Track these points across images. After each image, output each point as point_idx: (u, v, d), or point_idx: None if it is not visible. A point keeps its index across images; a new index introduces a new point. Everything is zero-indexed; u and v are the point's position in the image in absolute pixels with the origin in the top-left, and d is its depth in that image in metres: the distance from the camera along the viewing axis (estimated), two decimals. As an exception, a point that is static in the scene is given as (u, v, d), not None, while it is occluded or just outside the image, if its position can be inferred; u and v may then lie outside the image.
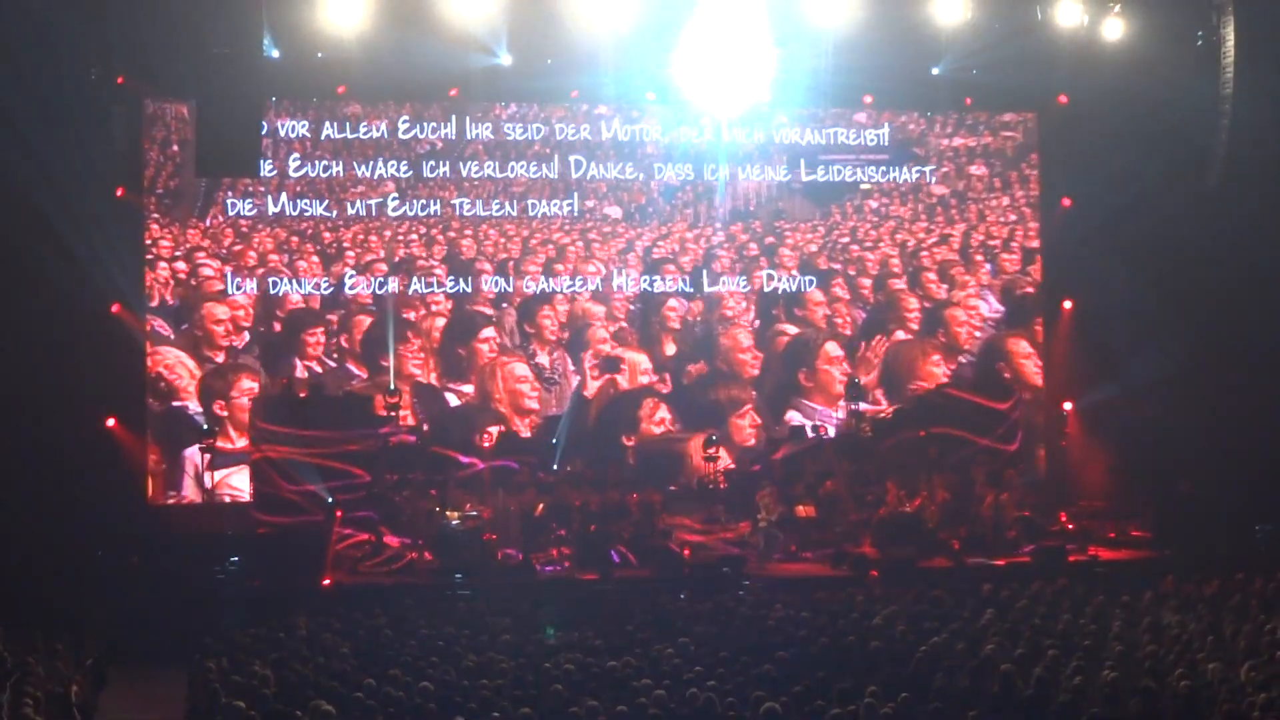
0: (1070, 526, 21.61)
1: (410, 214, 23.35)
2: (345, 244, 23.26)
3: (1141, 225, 22.74)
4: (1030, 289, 25.01)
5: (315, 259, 23.12)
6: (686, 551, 20.08)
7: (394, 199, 23.46)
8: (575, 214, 23.68)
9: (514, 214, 23.53)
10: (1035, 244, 25.21)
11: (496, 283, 23.47)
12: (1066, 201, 24.71)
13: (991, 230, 25.03)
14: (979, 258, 24.97)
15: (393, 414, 22.51)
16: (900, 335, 24.72)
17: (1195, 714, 10.73)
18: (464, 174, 23.45)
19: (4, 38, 19.06)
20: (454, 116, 23.65)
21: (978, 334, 24.92)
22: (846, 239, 24.64)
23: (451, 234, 23.47)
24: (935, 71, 23.52)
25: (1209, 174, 22.29)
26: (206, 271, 22.93)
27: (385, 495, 20.86)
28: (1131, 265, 23.22)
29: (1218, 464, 21.83)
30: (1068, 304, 24.88)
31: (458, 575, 18.86)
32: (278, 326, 22.98)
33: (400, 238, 23.39)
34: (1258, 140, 21.72)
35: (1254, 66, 21.61)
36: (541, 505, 20.55)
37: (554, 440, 23.04)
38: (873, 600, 16.05)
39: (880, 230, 24.73)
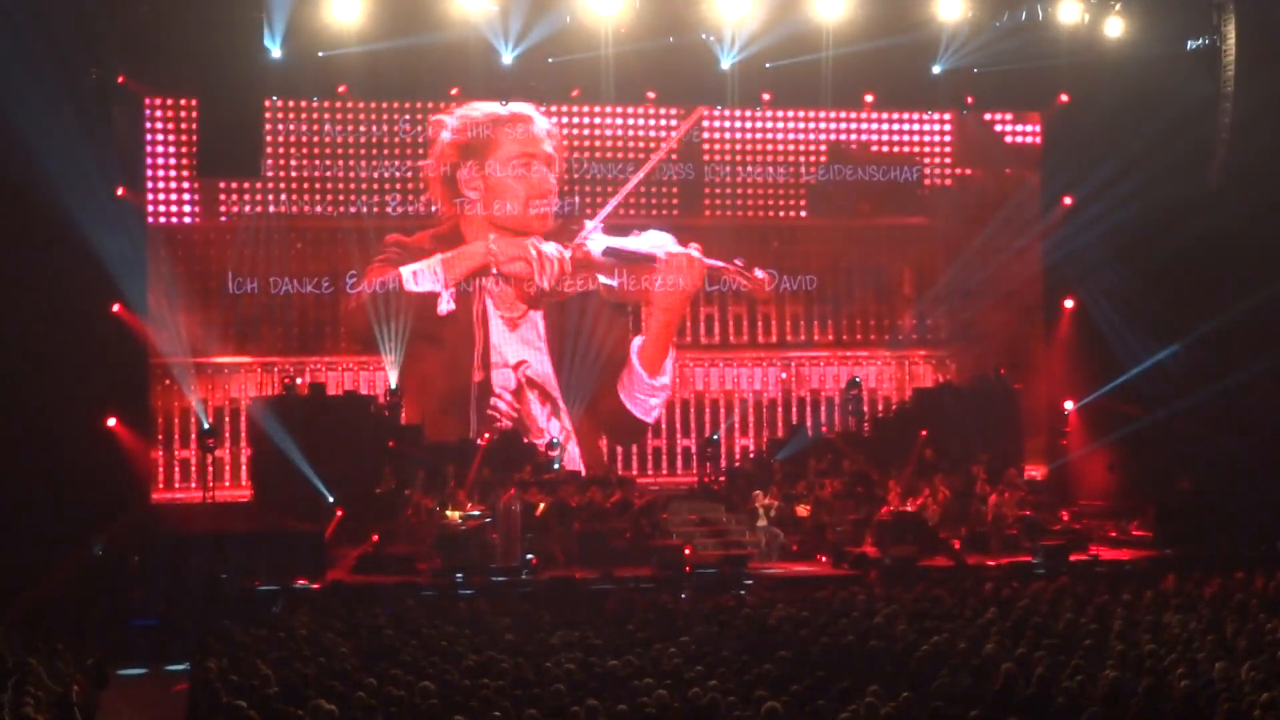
0: (1076, 526, 21.62)
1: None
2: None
3: (1142, 224, 22.72)
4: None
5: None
6: (688, 550, 20.09)
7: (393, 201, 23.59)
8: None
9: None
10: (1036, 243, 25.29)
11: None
12: (1067, 200, 24.69)
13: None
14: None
15: (393, 412, 22.59)
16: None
17: (1196, 713, 10.71)
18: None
19: (4, 38, 19.05)
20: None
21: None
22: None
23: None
24: (936, 70, 23.49)
25: (1210, 172, 22.28)
26: (206, 271, 22.99)
27: (387, 495, 20.88)
28: (1132, 264, 23.22)
29: (1218, 463, 21.82)
30: (1069, 303, 24.88)
31: (458, 575, 18.86)
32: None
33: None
34: (1258, 138, 21.69)
35: (1254, 65, 21.60)
36: (543, 505, 20.55)
37: (554, 440, 23.09)
38: (873, 599, 16.05)
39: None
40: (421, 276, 23.35)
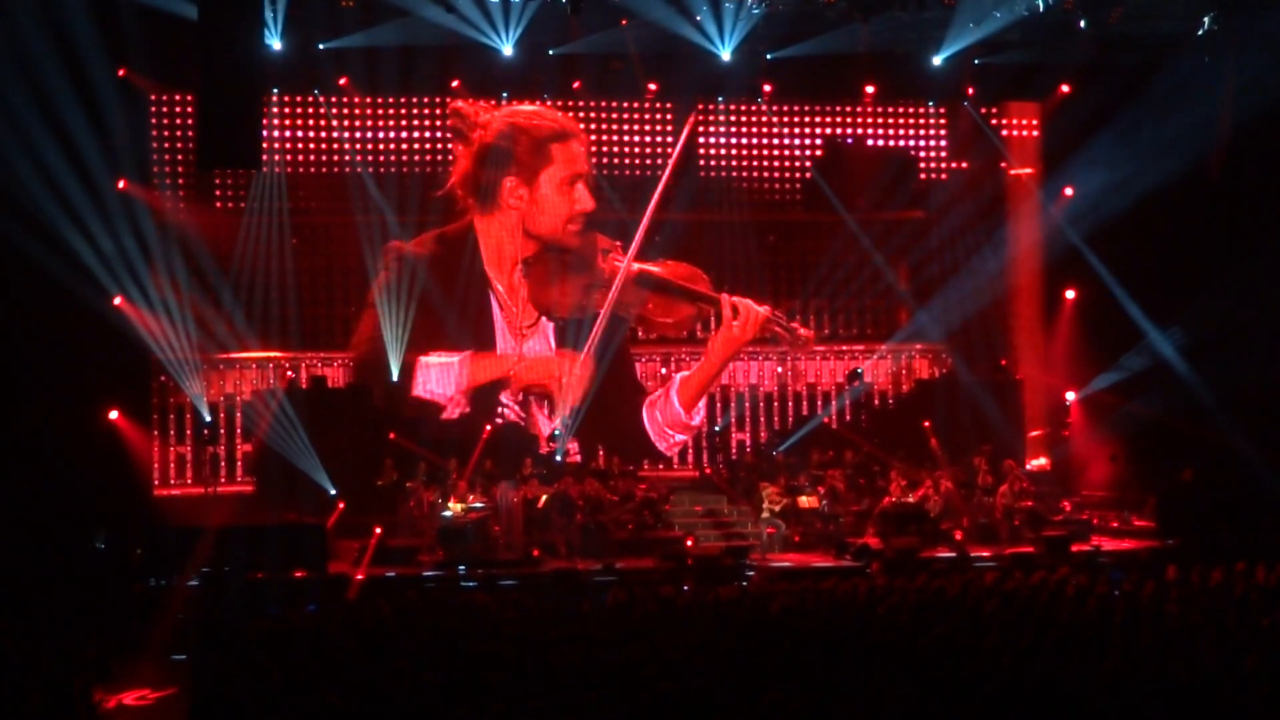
0: (1083, 516, 21.64)
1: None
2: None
3: (1143, 214, 22.71)
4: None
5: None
6: (690, 542, 20.10)
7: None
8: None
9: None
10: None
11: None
12: (1068, 191, 24.67)
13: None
14: None
15: (395, 405, 22.59)
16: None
17: (1197, 705, 10.72)
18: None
19: (5, 32, 19.04)
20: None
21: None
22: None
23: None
24: (936, 62, 23.45)
25: (1211, 163, 22.26)
26: (206, 266, 22.98)
27: (388, 488, 20.89)
28: (1132, 254, 23.21)
29: (1220, 453, 21.83)
30: (1069, 293, 24.87)
31: (461, 567, 18.88)
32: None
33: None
34: (1260, 130, 21.68)
35: (1256, 56, 21.58)
36: (544, 497, 20.56)
37: (556, 431, 23.08)
38: (876, 591, 16.06)
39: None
40: (437, 375, 22.99)
